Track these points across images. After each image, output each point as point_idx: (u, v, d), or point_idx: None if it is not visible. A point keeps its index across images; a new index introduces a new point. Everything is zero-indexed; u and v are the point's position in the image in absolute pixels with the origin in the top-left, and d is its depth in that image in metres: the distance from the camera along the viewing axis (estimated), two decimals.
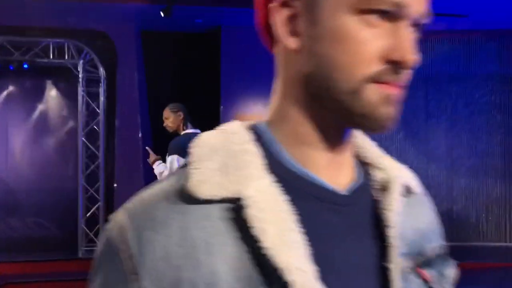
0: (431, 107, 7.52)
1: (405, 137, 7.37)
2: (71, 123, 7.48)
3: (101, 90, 7.16)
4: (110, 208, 7.14)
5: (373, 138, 0.68)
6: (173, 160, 3.99)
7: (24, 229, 7.31)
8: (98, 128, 7.24)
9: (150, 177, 7.14)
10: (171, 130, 4.26)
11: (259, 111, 6.41)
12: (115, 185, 6.51)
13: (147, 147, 4.45)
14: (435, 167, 7.45)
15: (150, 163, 4.31)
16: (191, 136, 4.38)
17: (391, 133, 7.31)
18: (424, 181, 0.71)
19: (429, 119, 7.53)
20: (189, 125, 4.28)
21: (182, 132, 4.23)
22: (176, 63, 7.24)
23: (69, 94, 7.40)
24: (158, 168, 4.22)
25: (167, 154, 4.13)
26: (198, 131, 4.21)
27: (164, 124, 4.30)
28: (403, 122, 6.80)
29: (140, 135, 6.60)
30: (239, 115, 6.58)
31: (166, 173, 4.06)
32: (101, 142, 7.20)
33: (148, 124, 6.85)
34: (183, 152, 3.90)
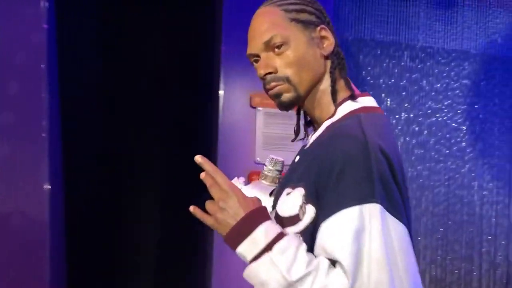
0: None
1: None
2: None
3: None
4: None
5: None
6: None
7: None
8: None
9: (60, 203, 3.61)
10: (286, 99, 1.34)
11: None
12: None
13: (198, 156, 1.08)
14: None
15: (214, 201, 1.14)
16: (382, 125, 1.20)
17: None
18: None
19: None
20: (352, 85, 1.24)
21: (339, 115, 1.22)
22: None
23: None
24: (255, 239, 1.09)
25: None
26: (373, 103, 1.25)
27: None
28: None
29: (45, 123, 3.11)
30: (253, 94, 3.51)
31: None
32: None
33: (57, 98, 3.39)
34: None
